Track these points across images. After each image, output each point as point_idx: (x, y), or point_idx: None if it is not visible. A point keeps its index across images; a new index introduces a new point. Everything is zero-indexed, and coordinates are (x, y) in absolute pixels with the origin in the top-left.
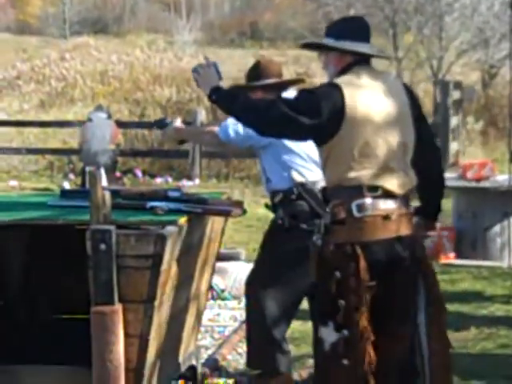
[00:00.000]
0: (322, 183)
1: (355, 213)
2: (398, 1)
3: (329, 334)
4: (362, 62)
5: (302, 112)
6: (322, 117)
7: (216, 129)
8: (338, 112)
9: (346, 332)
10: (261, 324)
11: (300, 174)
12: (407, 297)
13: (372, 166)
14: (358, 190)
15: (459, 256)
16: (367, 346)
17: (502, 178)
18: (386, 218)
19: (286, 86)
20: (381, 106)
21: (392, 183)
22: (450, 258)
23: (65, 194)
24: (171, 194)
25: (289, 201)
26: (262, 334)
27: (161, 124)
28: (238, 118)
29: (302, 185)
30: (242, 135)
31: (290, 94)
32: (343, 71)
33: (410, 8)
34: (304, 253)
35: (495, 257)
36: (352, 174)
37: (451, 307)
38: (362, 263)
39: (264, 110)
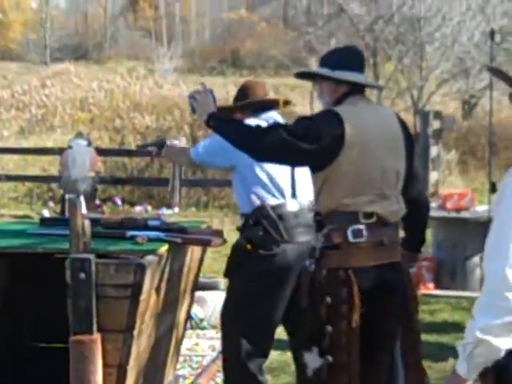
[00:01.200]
0: (283, 208)
1: (350, 238)
2: (379, 30)
3: (312, 360)
4: (356, 91)
5: (301, 137)
6: (321, 142)
7: (191, 149)
8: (338, 139)
9: (330, 358)
10: (236, 356)
11: (259, 197)
12: (394, 325)
13: (368, 193)
14: (353, 215)
15: (438, 286)
16: (354, 373)
17: (481, 209)
18: (380, 244)
19: (266, 106)
20: (377, 134)
21: (386, 210)
22: (429, 289)
23: (44, 222)
24: (151, 222)
25: (248, 226)
26: (236, 366)
27: (159, 144)
28: (236, 144)
29: (260, 209)
30: (212, 156)
31: (272, 115)
32: (339, 100)
33: (390, 37)
34: (267, 279)
35: (475, 287)
36: (348, 200)
37: (430, 338)
38: (355, 289)
39: (261, 135)
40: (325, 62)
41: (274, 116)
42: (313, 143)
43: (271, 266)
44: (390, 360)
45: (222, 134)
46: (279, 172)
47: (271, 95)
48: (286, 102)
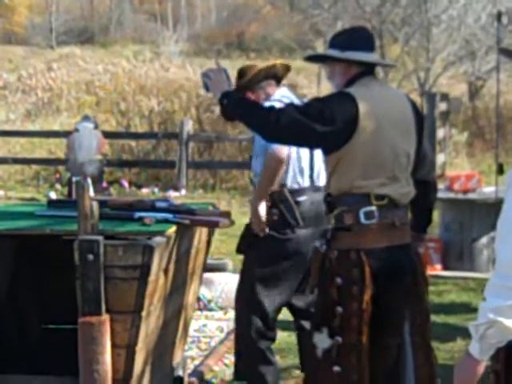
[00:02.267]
0: (301, 193)
1: (362, 220)
2: (386, 12)
3: (322, 340)
4: (368, 72)
5: (315, 119)
6: (335, 124)
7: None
8: (352, 121)
9: (339, 339)
10: (247, 333)
11: (280, 179)
12: (403, 306)
13: (380, 175)
14: (365, 197)
15: (446, 267)
16: (363, 354)
17: (488, 190)
18: (392, 225)
19: (269, 77)
20: (390, 116)
21: (397, 192)
22: (436, 270)
23: (52, 204)
24: (159, 204)
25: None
26: (248, 343)
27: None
28: (249, 124)
29: (278, 193)
30: None
31: (282, 91)
32: (350, 82)
33: (397, 19)
34: (280, 262)
35: (482, 268)
36: (361, 183)
37: (438, 318)
38: (367, 270)
39: (275, 116)
40: (334, 43)
41: (286, 94)
42: (327, 125)
43: (284, 250)
44: (398, 340)
45: (236, 114)
46: (304, 154)
47: None
48: (287, 68)
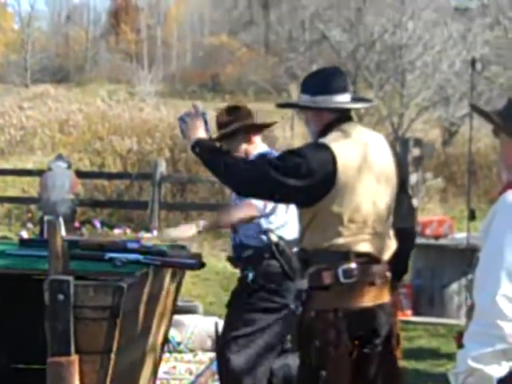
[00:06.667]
0: (295, 245)
1: (341, 278)
2: (360, 57)
3: None
4: (344, 117)
5: (289, 173)
6: (311, 179)
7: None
8: (329, 174)
9: None
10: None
11: (274, 233)
12: (377, 367)
13: (360, 232)
14: (345, 255)
15: (416, 313)
16: None
17: (460, 236)
18: (371, 284)
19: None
20: (370, 167)
21: (378, 249)
22: (407, 315)
23: (24, 243)
24: (130, 245)
25: (261, 259)
26: None
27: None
28: (219, 176)
29: (277, 244)
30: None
31: (262, 147)
32: (326, 129)
33: (371, 65)
34: (273, 314)
35: (452, 315)
36: (339, 239)
37: (407, 364)
38: (345, 331)
39: (247, 170)
40: (305, 87)
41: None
42: (302, 179)
43: (281, 301)
44: None
45: (207, 164)
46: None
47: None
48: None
